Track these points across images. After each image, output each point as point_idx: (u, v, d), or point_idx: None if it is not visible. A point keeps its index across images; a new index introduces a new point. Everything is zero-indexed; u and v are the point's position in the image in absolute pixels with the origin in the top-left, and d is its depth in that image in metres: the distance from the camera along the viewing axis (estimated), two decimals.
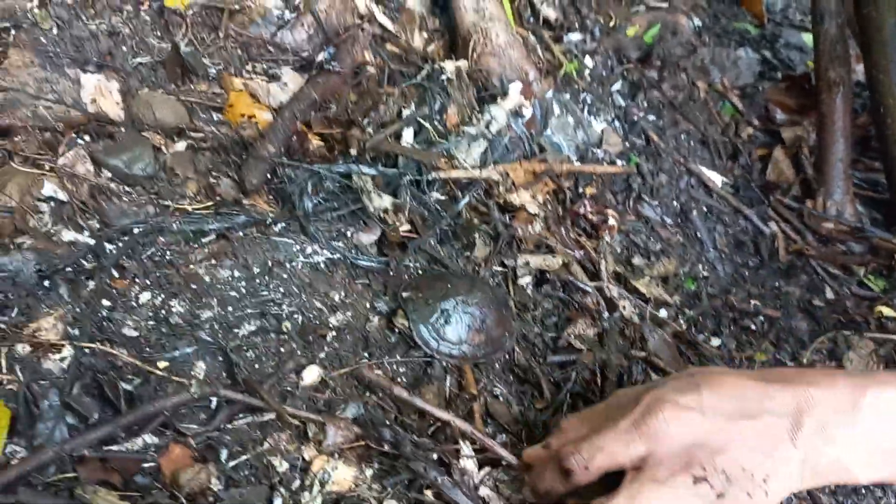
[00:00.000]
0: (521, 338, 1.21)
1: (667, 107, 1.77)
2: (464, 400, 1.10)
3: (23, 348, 0.91)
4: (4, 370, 0.89)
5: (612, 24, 1.90)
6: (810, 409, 0.82)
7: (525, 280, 1.28)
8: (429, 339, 1.12)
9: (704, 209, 1.58)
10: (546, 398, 1.15)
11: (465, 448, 1.03)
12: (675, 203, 1.57)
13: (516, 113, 1.52)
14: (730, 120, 1.78)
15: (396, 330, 1.13)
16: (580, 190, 1.52)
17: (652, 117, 1.74)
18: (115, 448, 0.87)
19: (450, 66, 1.52)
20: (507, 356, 1.18)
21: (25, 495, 0.79)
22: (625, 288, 1.34)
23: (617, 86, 1.80)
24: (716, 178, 1.63)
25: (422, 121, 1.39)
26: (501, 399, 1.14)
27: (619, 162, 1.61)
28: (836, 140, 1.58)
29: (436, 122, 1.41)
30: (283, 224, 1.19)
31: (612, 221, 1.45)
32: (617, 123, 1.71)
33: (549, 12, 1.86)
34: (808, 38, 1.99)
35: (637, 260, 1.42)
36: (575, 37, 1.85)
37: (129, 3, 1.48)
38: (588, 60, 1.81)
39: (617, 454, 0.84)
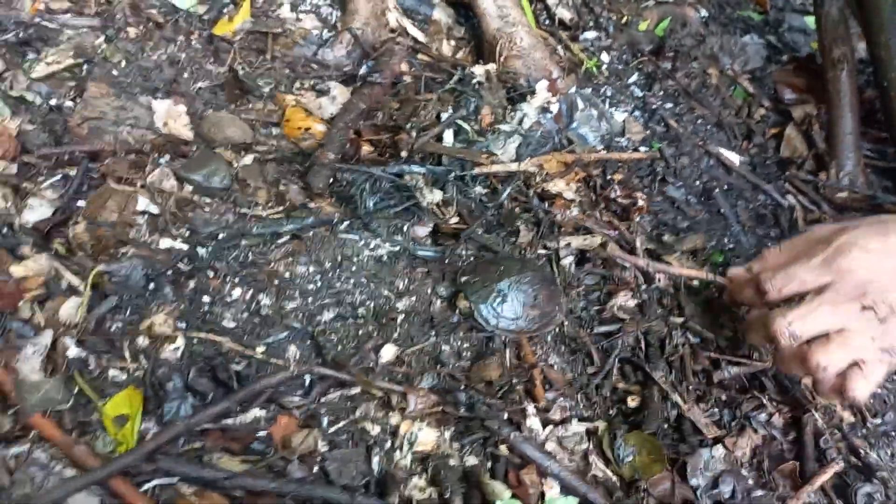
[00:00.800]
0: (569, 312, 1.33)
1: (682, 94, 1.88)
2: (524, 369, 1.22)
3: (143, 341, 1.04)
4: (129, 360, 1.02)
5: (624, 20, 2.02)
6: None
7: (567, 260, 1.39)
8: (489, 318, 1.24)
9: (725, 187, 1.69)
10: (596, 364, 1.27)
11: (530, 409, 1.15)
12: (697, 183, 1.68)
13: (544, 109, 1.64)
14: (742, 103, 1.89)
15: (457, 311, 1.25)
16: (608, 176, 1.63)
17: (669, 105, 1.86)
18: (231, 421, 1.00)
19: (479, 70, 1.64)
20: (557, 329, 1.30)
21: (164, 462, 0.92)
22: (658, 262, 1.45)
23: (633, 78, 1.92)
24: (734, 158, 1.74)
25: (460, 122, 1.52)
26: (556, 367, 1.26)
27: (642, 148, 1.72)
28: (844, 115, 1.70)
29: (472, 123, 1.54)
30: (348, 222, 1.31)
31: (640, 203, 1.56)
32: (637, 113, 1.83)
33: (565, 13, 1.98)
34: (810, 20, 2.10)
35: (667, 237, 1.53)
36: (590, 35, 1.97)
37: (181, 33, 1.62)
38: (605, 56, 1.94)
39: (807, 282, 1.05)
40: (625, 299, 1.34)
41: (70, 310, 1.03)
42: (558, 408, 1.18)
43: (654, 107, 1.83)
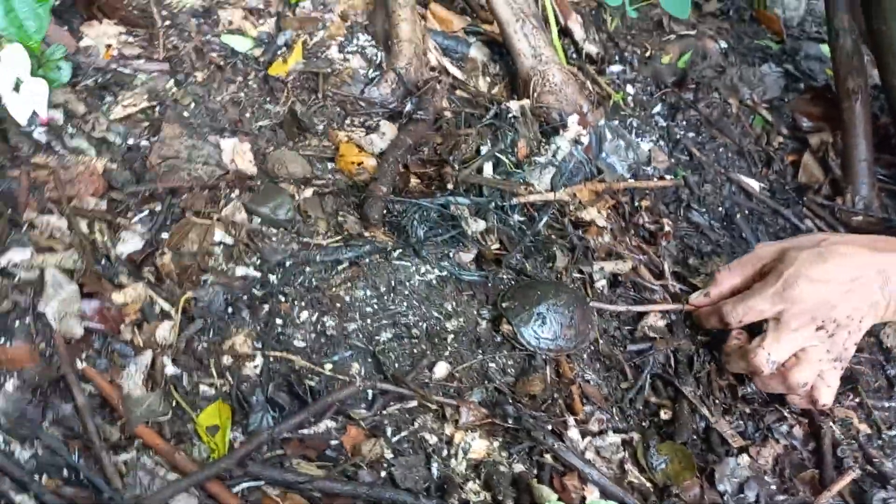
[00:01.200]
0: (602, 332, 1.45)
1: (704, 124, 2.00)
2: (563, 384, 1.34)
3: (227, 359, 1.17)
4: (216, 377, 1.15)
5: (647, 54, 2.15)
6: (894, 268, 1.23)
7: (601, 283, 1.51)
8: (530, 339, 1.35)
9: (746, 212, 1.80)
10: (629, 380, 1.38)
11: (570, 421, 1.27)
12: (720, 208, 1.80)
13: (576, 141, 1.77)
14: (761, 131, 2.01)
15: (501, 333, 1.37)
16: (636, 203, 1.75)
17: (692, 134, 1.98)
18: (307, 431, 1.13)
19: (514, 105, 1.77)
20: (593, 347, 1.42)
21: (252, 467, 1.05)
22: (684, 284, 1.57)
23: (658, 108, 2.04)
24: (754, 184, 1.86)
25: (498, 155, 1.65)
26: (592, 383, 1.38)
27: (667, 176, 1.84)
28: (859, 142, 1.81)
29: (510, 155, 1.66)
30: (400, 250, 1.44)
31: (667, 228, 1.68)
32: (662, 142, 1.95)
33: (592, 48, 2.10)
34: (825, 48, 2.21)
35: (692, 260, 1.65)
36: (616, 68, 2.10)
37: (240, 74, 1.76)
38: (630, 88, 2.06)
39: (764, 312, 1.27)
40: (654, 320, 1.46)
41: (164, 332, 1.16)
42: (596, 420, 1.30)
43: (677, 136, 1.95)
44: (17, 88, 1.15)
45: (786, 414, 1.37)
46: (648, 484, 1.24)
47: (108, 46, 1.68)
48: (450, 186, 1.53)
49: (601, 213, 1.65)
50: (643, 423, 1.34)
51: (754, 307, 1.28)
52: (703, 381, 1.37)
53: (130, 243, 1.27)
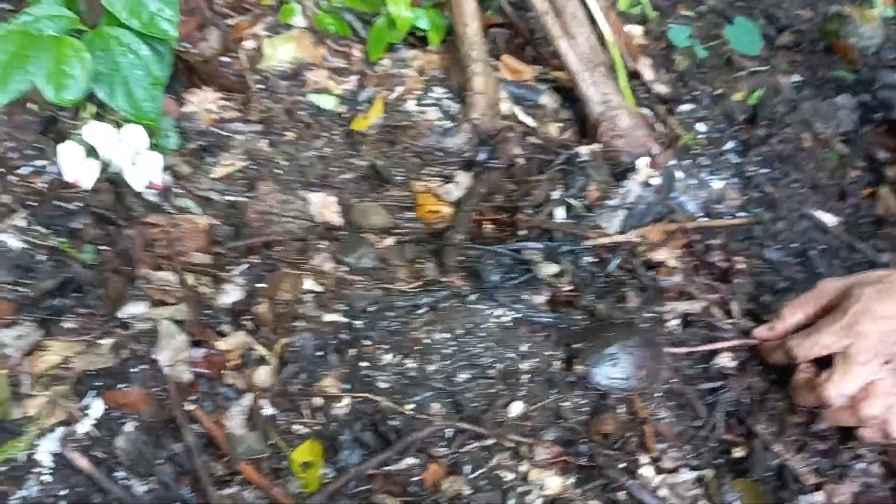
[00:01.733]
0: (675, 371, 1.49)
1: (777, 160, 2.01)
2: (636, 423, 1.38)
3: (317, 400, 1.28)
4: (308, 416, 1.26)
5: (718, 92, 2.18)
6: None
7: (673, 323, 1.55)
8: (602, 380, 1.40)
9: (822, 247, 1.80)
10: (702, 418, 1.41)
11: (643, 459, 1.31)
12: (794, 245, 1.80)
13: (646, 183, 1.82)
14: (836, 165, 2.00)
15: (574, 374, 1.42)
16: (709, 242, 1.78)
17: (765, 171, 2.00)
18: (391, 468, 1.21)
19: (584, 150, 1.84)
20: (666, 386, 1.45)
21: (343, 502, 1.14)
22: (758, 322, 1.58)
23: (730, 145, 2.07)
24: (829, 219, 1.86)
25: (569, 200, 1.72)
26: (666, 421, 1.42)
27: (739, 214, 1.87)
28: None
29: (581, 199, 1.73)
30: (476, 294, 1.52)
31: (739, 266, 1.71)
32: (734, 180, 1.97)
33: (662, 89, 2.16)
34: None
35: (766, 297, 1.67)
36: (686, 107, 2.14)
37: (325, 130, 1.89)
38: (701, 126, 2.10)
39: (830, 347, 1.30)
40: (726, 359, 1.49)
41: (263, 375, 1.27)
42: (669, 458, 1.33)
43: (749, 173, 1.97)
44: (134, 162, 1.30)
45: (863, 451, 1.37)
46: None
47: (209, 111, 1.85)
48: (522, 232, 1.61)
49: (672, 253, 1.69)
50: (716, 461, 1.36)
51: (820, 342, 1.31)
52: (776, 417, 1.39)
53: (232, 294, 1.40)
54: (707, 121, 2.11)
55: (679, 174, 1.91)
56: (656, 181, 1.83)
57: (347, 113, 1.94)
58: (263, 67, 1.98)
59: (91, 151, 1.23)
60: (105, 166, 1.25)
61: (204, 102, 1.86)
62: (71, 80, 1.18)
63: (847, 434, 1.38)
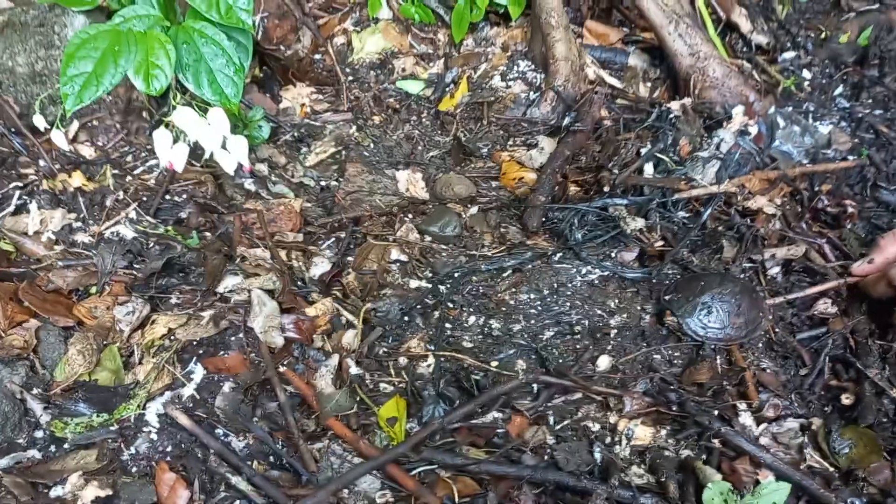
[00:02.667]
0: (779, 319, 1.41)
1: (892, 98, 1.87)
2: (735, 372, 1.32)
3: (402, 360, 1.31)
4: (394, 375, 1.29)
5: (823, 36, 2.05)
6: None
7: (774, 270, 1.47)
8: (697, 330, 1.35)
9: None
10: (807, 365, 1.33)
11: (742, 407, 1.25)
12: None
13: (742, 132, 1.74)
14: None
15: (666, 325, 1.38)
16: (816, 188, 1.68)
17: (878, 111, 1.86)
18: (475, 421, 1.22)
19: (675, 105, 1.78)
20: (767, 336, 1.38)
21: (427, 453, 1.16)
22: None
23: (839, 90, 1.94)
24: None
25: (659, 155, 1.67)
26: (769, 371, 1.35)
27: (850, 157, 1.75)
28: None
29: (671, 154, 1.68)
30: (561, 254, 1.51)
31: (850, 210, 1.60)
32: (843, 124, 1.85)
33: (761, 38, 2.05)
34: None
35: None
36: (789, 55, 2.03)
37: (413, 114, 1.94)
38: (805, 73, 1.98)
39: None
40: (828, 304, 1.40)
41: (349, 339, 1.32)
42: (771, 406, 1.27)
43: (860, 115, 1.84)
44: (224, 146, 1.39)
45: None
46: (831, 469, 1.19)
47: (303, 105, 1.94)
48: (606, 189, 1.58)
49: (772, 201, 1.60)
50: (825, 408, 1.28)
51: None
52: (890, 360, 1.29)
53: (320, 266, 1.46)
54: (812, 67, 1.99)
55: (781, 122, 1.81)
56: (754, 130, 1.75)
57: (434, 95, 1.98)
58: (353, 60, 2.05)
59: (180, 136, 1.33)
60: (194, 150, 1.34)
61: (298, 98, 1.95)
62: (158, 70, 1.28)
63: None
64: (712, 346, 1.35)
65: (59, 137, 1.41)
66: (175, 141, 1.32)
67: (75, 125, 1.75)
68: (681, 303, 1.37)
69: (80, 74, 1.25)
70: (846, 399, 1.26)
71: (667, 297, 1.39)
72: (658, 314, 1.41)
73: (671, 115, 1.75)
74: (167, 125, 1.31)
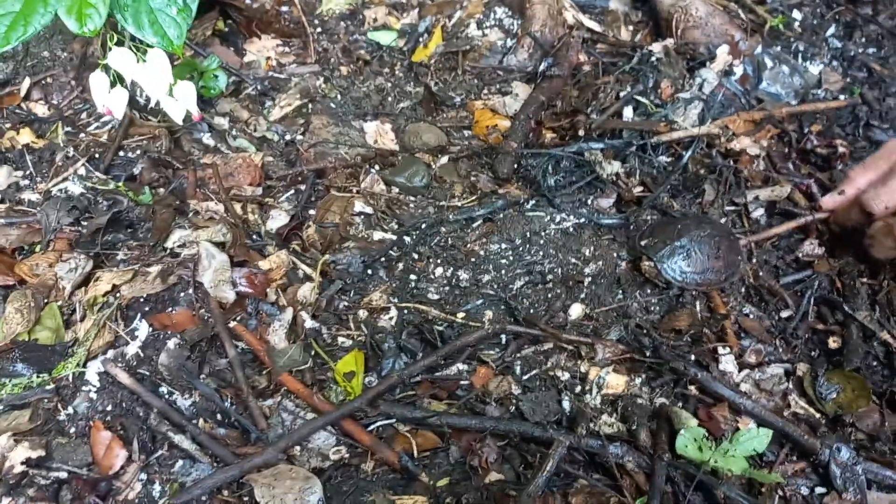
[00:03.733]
0: (764, 263, 1.33)
1: (886, 37, 1.77)
2: (716, 319, 1.24)
3: (363, 313, 1.24)
4: (353, 329, 1.22)
5: None
6: None
7: (758, 213, 1.39)
8: (675, 276, 1.28)
9: None
10: (791, 308, 1.25)
11: (724, 351, 1.18)
12: None
13: (727, 73, 1.65)
14: None
15: (643, 272, 1.30)
16: (805, 129, 1.59)
17: (872, 50, 1.76)
18: (438, 374, 1.15)
19: (657, 47, 1.69)
20: (750, 280, 1.30)
21: (384, 407, 1.09)
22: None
23: (831, 30, 1.84)
24: None
25: (638, 98, 1.58)
26: (752, 316, 1.27)
27: (841, 97, 1.65)
28: None
29: (651, 97, 1.59)
30: (534, 202, 1.43)
31: (841, 150, 1.51)
32: (835, 63, 1.76)
33: None
34: None
35: None
36: None
37: (386, 66, 1.85)
38: (796, 13, 1.88)
39: None
40: (812, 245, 1.32)
41: (305, 292, 1.25)
42: (753, 352, 1.19)
43: (853, 54, 1.74)
44: (170, 93, 1.31)
45: None
46: (817, 415, 1.12)
47: (268, 59, 1.85)
48: (581, 133, 1.49)
49: (756, 142, 1.52)
50: (811, 353, 1.21)
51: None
52: (881, 302, 1.21)
53: (278, 220, 1.38)
54: (803, 6, 1.89)
55: (768, 62, 1.72)
56: (740, 70, 1.66)
57: (407, 46, 1.89)
58: (322, 11, 1.96)
59: (118, 81, 1.25)
60: (134, 96, 1.26)
61: (263, 51, 1.86)
62: (92, 10, 1.19)
63: None
64: (692, 293, 1.28)
65: None
66: (113, 85, 1.24)
67: (27, 82, 1.67)
68: (658, 248, 1.29)
69: (7, 14, 1.17)
70: (833, 342, 1.19)
71: (643, 243, 1.31)
72: (634, 261, 1.33)
73: (653, 58, 1.66)
74: (104, 68, 1.23)
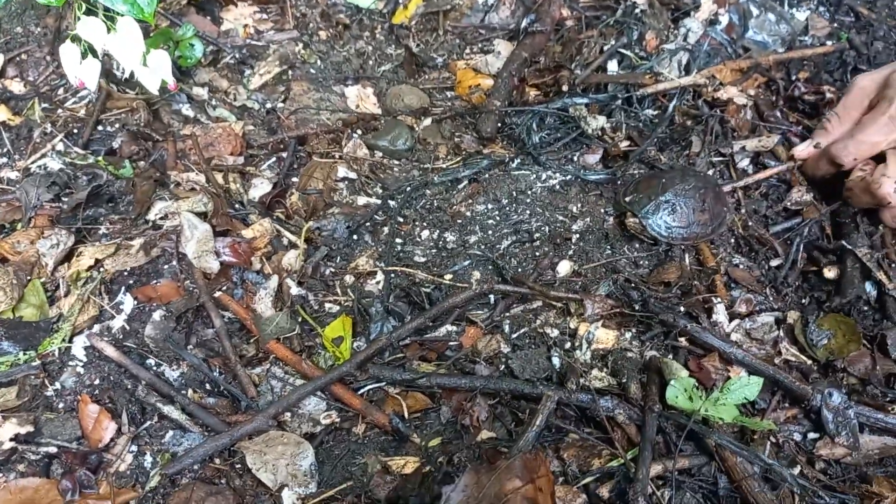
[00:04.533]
0: (753, 212, 1.32)
1: None
2: (706, 273, 1.23)
3: (349, 279, 1.23)
4: (340, 294, 1.21)
5: None
6: None
7: (744, 163, 1.38)
8: (661, 230, 1.26)
9: None
10: (780, 255, 1.25)
11: (717, 301, 1.17)
12: None
13: (712, 22, 1.62)
14: None
15: (628, 228, 1.29)
16: (793, 77, 1.57)
17: None
18: (427, 335, 1.14)
19: None
20: (738, 230, 1.29)
21: (373, 370, 1.08)
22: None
23: None
24: None
25: (623, 51, 1.55)
26: (742, 266, 1.26)
27: (828, 42, 1.63)
28: None
29: (636, 50, 1.56)
30: (519, 160, 1.41)
31: (829, 96, 1.49)
32: (821, 9, 1.73)
33: None
34: None
35: None
36: None
37: (367, 30, 1.82)
38: None
39: (879, 144, 1.15)
40: (801, 193, 1.30)
41: (290, 259, 1.23)
42: (743, 302, 1.19)
43: None
44: (144, 63, 1.28)
45: None
46: (809, 361, 1.11)
47: (245, 26, 1.82)
48: (565, 89, 1.47)
49: (746, 91, 1.50)
50: (801, 301, 1.20)
51: (867, 139, 1.14)
52: (876, 243, 1.20)
53: (260, 188, 1.37)
54: None
55: (754, 10, 1.69)
56: (725, 19, 1.63)
57: (386, 8, 1.85)
58: None
59: (90, 52, 1.22)
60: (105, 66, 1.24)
61: (240, 18, 1.83)
62: None
63: None
64: (681, 247, 1.26)
65: None
66: (84, 56, 1.21)
67: (1, 59, 1.64)
68: (643, 203, 1.27)
69: None
70: (828, 272, 1.18)
71: (627, 199, 1.30)
72: (619, 217, 1.31)
73: (637, 10, 1.63)
74: (74, 39, 1.20)
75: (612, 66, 1.55)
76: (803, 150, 1.29)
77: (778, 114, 1.46)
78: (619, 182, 1.37)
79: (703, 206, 1.26)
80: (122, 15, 1.21)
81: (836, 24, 1.67)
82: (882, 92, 1.16)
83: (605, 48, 1.57)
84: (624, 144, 1.43)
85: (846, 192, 1.19)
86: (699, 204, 1.26)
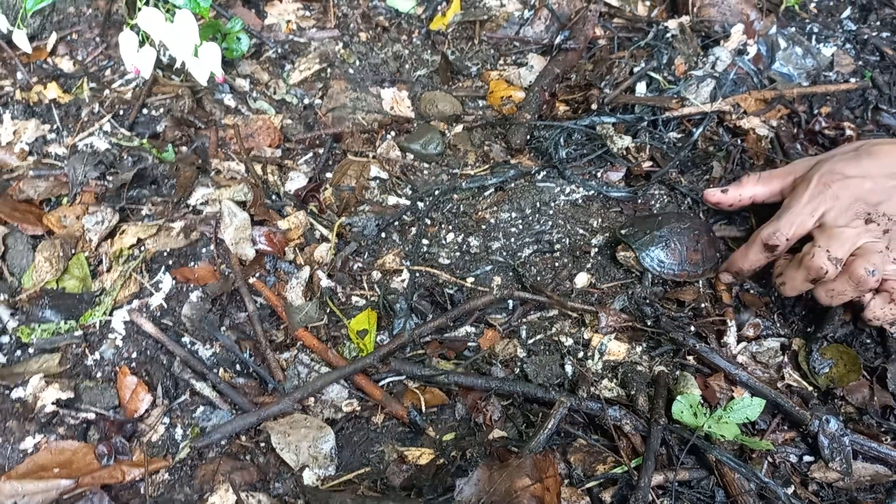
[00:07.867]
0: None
1: None
2: (717, 298, 1.28)
3: (376, 275, 1.29)
4: (367, 289, 1.27)
5: None
6: None
7: None
8: (653, 265, 1.28)
9: None
10: None
11: (721, 327, 1.22)
12: None
13: (740, 52, 1.67)
14: None
15: (620, 260, 1.31)
16: (815, 111, 1.62)
17: (886, 34, 1.78)
18: (447, 335, 1.20)
19: (673, 23, 1.71)
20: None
21: (395, 364, 1.14)
22: None
23: (846, 13, 1.86)
24: None
25: (652, 73, 1.61)
26: (753, 291, 1.31)
27: (852, 80, 1.68)
28: None
29: (665, 73, 1.62)
30: (545, 173, 1.47)
31: (848, 133, 1.54)
32: (848, 46, 1.77)
33: None
34: None
35: None
36: None
37: (404, 33, 1.88)
38: None
39: (806, 223, 1.15)
40: None
41: (322, 252, 1.30)
42: (751, 326, 1.24)
43: (866, 37, 1.76)
44: (196, 54, 1.34)
45: None
46: (810, 388, 1.16)
47: (288, 22, 1.88)
48: (594, 107, 1.52)
49: (768, 122, 1.55)
50: (807, 329, 1.25)
51: (794, 220, 1.15)
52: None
53: (296, 181, 1.43)
54: None
55: (782, 42, 1.74)
56: (753, 49, 1.68)
57: (425, 14, 1.91)
58: None
59: (147, 41, 1.28)
60: (161, 56, 1.30)
61: (284, 14, 1.89)
62: None
63: None
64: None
65: (20, 38, 1.36)
66: (141, 45, 1.27)
67: (54, 38, 1.71)
68: (638, 236, 1.30)
69: None
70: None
71: (623, 231, 1.32)
72: (612, 245, 1.34)
73: (668, 34, 1.69)
74: (133, 28, 1.27)
75: (641, 87, 1.60)
76: (712, 194, 1.33)
77: (798, 146, 1.51)
78: (639, 201, 1.42)
79: (697, 247, 1.29)
80: (180, 8, 1.28)
81: (860, 63, 1.72)
82: (808, 174, 1.19)
83: (635, 70, 1.62)
84: (647, 165, 1.48)
85: (776, 277, 1.21)
86: (693, 244, 1.29)
